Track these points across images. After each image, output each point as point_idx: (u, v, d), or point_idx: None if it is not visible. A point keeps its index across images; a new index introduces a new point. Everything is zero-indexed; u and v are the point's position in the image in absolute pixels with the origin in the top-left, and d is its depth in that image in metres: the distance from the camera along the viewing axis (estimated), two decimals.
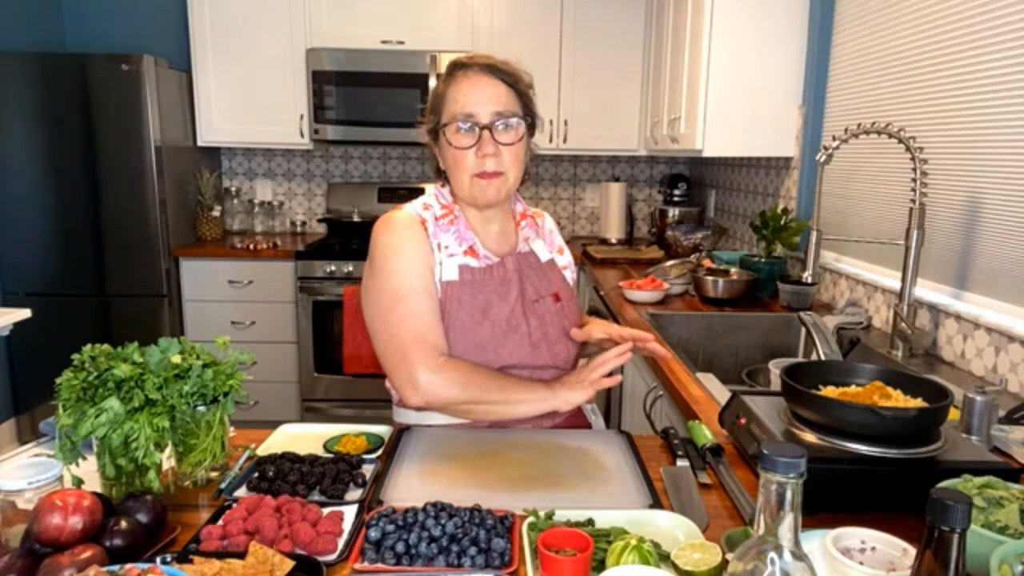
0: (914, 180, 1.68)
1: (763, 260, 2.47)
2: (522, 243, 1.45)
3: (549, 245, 1.52)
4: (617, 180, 4.14)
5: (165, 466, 1.06)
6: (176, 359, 1.03)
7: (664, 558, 0.83)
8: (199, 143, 3.74)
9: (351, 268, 3.49)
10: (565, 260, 1.53)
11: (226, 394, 1.06)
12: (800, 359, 1.95)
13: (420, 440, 1.24)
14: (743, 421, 1.16)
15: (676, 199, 3.83)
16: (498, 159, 1.32)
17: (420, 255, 1.34)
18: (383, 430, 1.27)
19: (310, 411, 3.63)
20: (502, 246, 1.43)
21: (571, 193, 4.25)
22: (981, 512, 0.83)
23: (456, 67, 1.35)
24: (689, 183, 3.85)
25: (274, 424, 1.33)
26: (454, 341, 1.32)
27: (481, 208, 1.39)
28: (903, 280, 1.74)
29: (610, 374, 1.30)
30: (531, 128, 1.39)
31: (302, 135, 3.72)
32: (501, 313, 1.35)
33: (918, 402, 1.06)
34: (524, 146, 1.36)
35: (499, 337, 1.34)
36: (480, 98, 1.30)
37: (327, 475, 1.04)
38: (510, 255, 1.42)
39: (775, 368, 1.63)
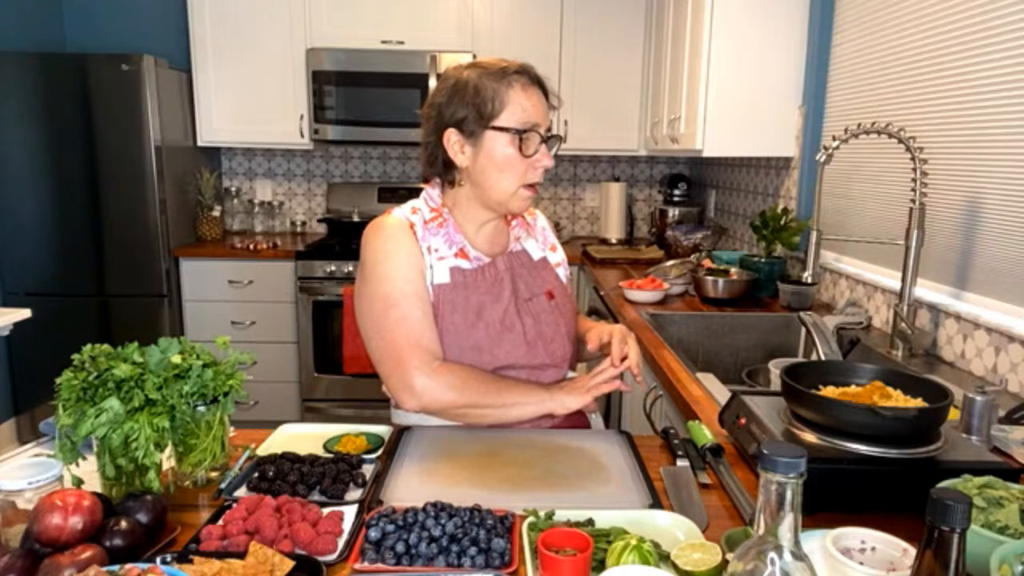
0: (914, 180, 1.68)
1: (763, 260, 2.47)
2: (513, 242, 1.45)
3: (542, 243, 1.52)
4: (617, 180, 4.15)
5: (165, 466, 1.06)
6: (176, 359, 1.03)
7: (664, 558, 0.83)
8: (199, 143, 3.74)
9: (351, 268, 3.49)
10: (558, 257, 1.53)
11: (226, 394, 1.06)
12: (800, 359, 1.95)
13: (420, 440, 1.24)
14: (743, 421, 1.16)
15: (676, 199, 3.83)
16: (546, 172, 1.35)
17: (411, 260, 1.33)
18: (383, 430, 1.27)
19: (310, 411, 3.64)
20: (493, 246, 1.43)
21: (571, 193, 4.25)
22: (981, 512, 0.83)
23: (516, 72, 1.31)
24: (689, 183, 3.85)
25: (274, 424, 1.33)
26: (449, 344, 1.32)
27: (505, 215, 1.41)
28: (903, 280, 1.74)
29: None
30: None
31: (302, 135, 3.72)
32: (495, 314, 1.35)
33: (918, 402, 1.06)
34: None
35: (494, 338, 1.34)
36: (541, 111, 1.33)
37: (327, 475, 1.04)
38: (501, 255, 1.41)
39: (775, 368, 1.63)
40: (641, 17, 3.66)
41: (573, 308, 1.50)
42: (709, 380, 1.61)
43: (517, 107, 1.30)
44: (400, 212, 1.40)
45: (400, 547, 0.85)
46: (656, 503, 1.00)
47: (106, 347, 1.04)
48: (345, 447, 1.19)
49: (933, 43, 1.86)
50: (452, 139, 1.32)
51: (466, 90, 1.30)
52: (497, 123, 1.30)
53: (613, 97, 3.75)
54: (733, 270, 2.46)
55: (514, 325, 1.36)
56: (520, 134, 1.30)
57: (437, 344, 1.31)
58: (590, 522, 0.92)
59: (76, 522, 0.81)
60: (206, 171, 3.82)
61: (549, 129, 1.34)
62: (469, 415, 1.29)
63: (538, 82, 1.34)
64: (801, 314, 1.73)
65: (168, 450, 1.05)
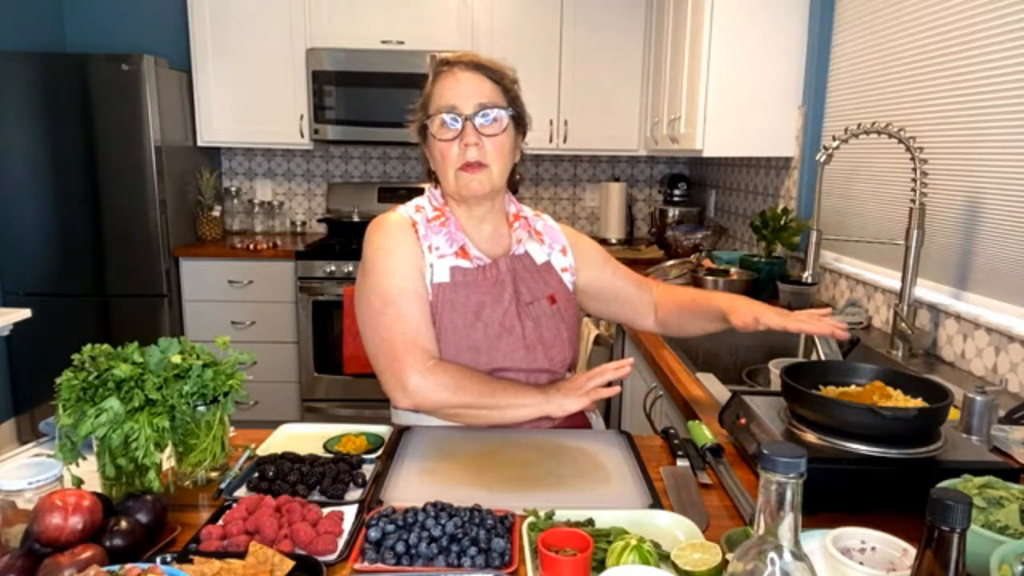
0: (914, 180, 1.68)
1: (763, 260, 2.47)
2: (515, 244, 1.43)
3: (549, 246, 1.50)
4: (617, 180, 4.15)
5: (165, 466, 1.06)
6: (176, 359, 1.03)
7: (664, 558, 0.83)
8: (199, 143, 3.73)
9: (351, 268, 3.49)
10: (567, 261, 1.50)
11: (226, 394, 1.06)
12: (800, 359, 1.95)
13: (420, 440, 1.24)
14: (743, 421, 1.16)
15: (676, 199, 3.83)
16: (481, 149, 1.31)
17: (410, 257, 1.33)
18: (383, 430, 1.27)
19: (310, 411, 3.63)
20: (495, 247, 1.42)
21: (571, 193, 4.25)
22: (981, 512, 0.83)
23: (441, 64, 1.35)
24: (689, 183, 3.85)
25: (274, 424, 1.33)
26: (446, 344, 1.32)
27: (468, 203, 1.39)
28: (903, 280, 1.74)
29: (609, 384, 1.28)
30: (519, 126, 1.39)
31: (302, 135, 3.72)
32: (494, 315, 1.35)
33: (918, 402, 1.06)
34: (509, 139, 1.36)
35: (492, 339, 1.33)
36: (463, 91, 1.31)
37: (327, 475, 1.04)
38: (503, 256, 1.40)
39: (775, 368, 1.63)
40: (641, 17, 3.66)
41: (575, 313, 1.49)
42: (709, 380, 1.61)
43: (436, 96, 1.34)
44: (404, 210, 1.41)
45: (400, 547, 0.85)
46: (656, 503, 1.00)
47: (106, 347, 1.04)
48: (345, 447, 1.19)
49: (933, 43, 1.86)
50: (423, 147, 1.40)
51: (420, 98, 1.38)
52: (427, 114, 1.35)
53: (613, 97, 3.75)
54: (733, 270, 2.46)
55: (514, 328, 1.35)
56: (429, 121, 1.34)
57: (433, 343, 1.31)
58: (590, 522, 0.92)
59: (76, 522, 0.81)
60: (206, 171, 3.81)
61: (484, 106, 1.31)
62: (463, 416, 1.29)
63: (474, 66, 1.33)
64: None
65: (168, 450, 1.05)
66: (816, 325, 1.28)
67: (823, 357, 1.64)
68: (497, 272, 1.38)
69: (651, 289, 1.59)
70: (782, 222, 2.48)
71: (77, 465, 0.98)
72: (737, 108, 2.60)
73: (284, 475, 1.04)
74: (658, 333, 1.62)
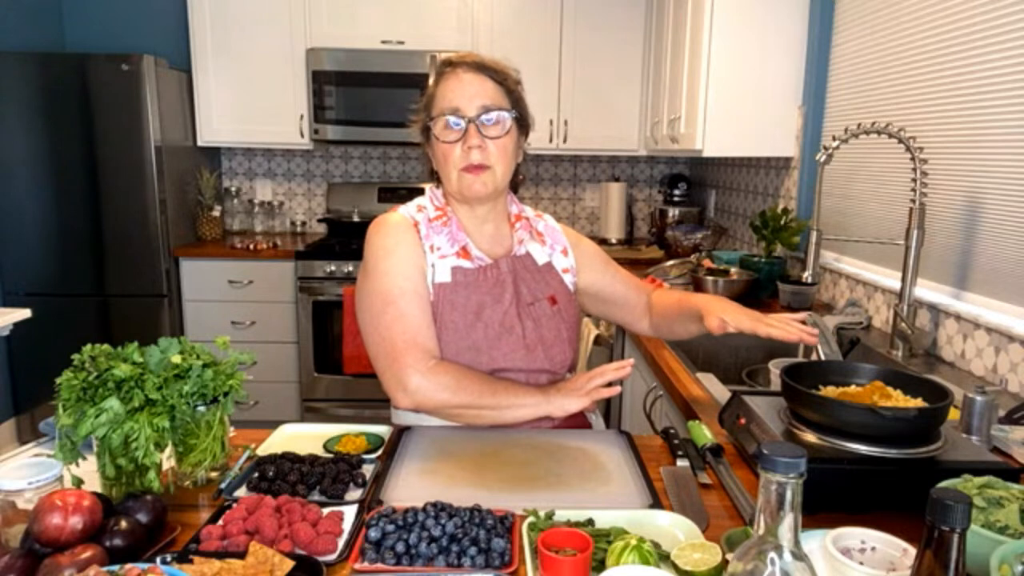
0: (914, 180, 1.68)
1: (763, 260, 2.47)
2: (517, 245, 1.43)
3: (551, 247, 1.49)
4: (617, 180, 4.15)
5: (165, 466, 1.06)
6: (176, 359, 1.03)
7: (664, 558, 0.83)
8: (199, 143, 3.74)
9: (351, 268, 3.49)
10: (568, 262, 1.50)
11: (226, 394, 1.06)
12: (800, 359, 1.95)
13: (420, 440, 1.24)
14: (743, 421, 1.16)
15: (676, 199, 3.83)
16: (484, 151, 1.32)
17: (411, 257, 1.34)
18: (383, 430, 1.27)
19: (310, 411, 3.63)
20: (496, 247, 1.42)
21: (571, 193, 4.25)
22: (981, 512, 0.83)
23: (445, 65, 1.36)
24: (689, 183, 3.85)
25: (274, 424, 1.33)
26: (447, 343, 1.32)
27: (471, 204, 1.39)
28: (903, 280, 1.74)
29: (609, 384, 1.27)
30: (522, 127, 1.39)
31: (302, 135, 3.72)
32: (494, 315, 1.35)
33: (918, 402, 1.06)
34: (512, 141, 1.36)
35: (492, 339, 1.33)
36: (467, 93, 1.31)
37: (327, 475, 1.04)
38: (505, 257, 1.40)
39: (775, 368, 1.63)
40: (641, 17, 3.66)
41: (576, 314, 1.50)
42: (709, 380, 1.61)
43: (439, 97, 1.34)
44: (405, 210, 1.41)
45: (400, 547, 0.85)
46: (656, 503, 1.00)
47: (106, 347, 1.04)
48: (345, 447, 1.19)
49: (933, 43, 1.86)
50: (425, 146, 1.40)
51: (424, 92, 1.39)
52: (430, 118, 1.35)
53: (613, 97, 3.75)
54: (733, 270, 2.46)
55: (514, 328, 1.35)
56: (432, 122, 1.34)
57: (434, 343, 1.31)
58: (590, 522, 0.92)
59: (76, 522, 0.81)
60: (206, 171, 3.81)
61: (487, 108, 1.31)
62: (464, 415, 1.29)
63: (477, 67, 1.34)
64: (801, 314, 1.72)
65: (168, 450, 1.05)
66: (785, 331, 1.30)
67: (823, 357, 1.65)
68: (498, 272, 1.38)
69: (648, 293, 1.59)
70: (782, 222, 2.48)
71: (77, 465, 0.98)
72: (737, 108, 2.60)
73: (284, 475, 1.04)
74: (652, 336, 1.64)
